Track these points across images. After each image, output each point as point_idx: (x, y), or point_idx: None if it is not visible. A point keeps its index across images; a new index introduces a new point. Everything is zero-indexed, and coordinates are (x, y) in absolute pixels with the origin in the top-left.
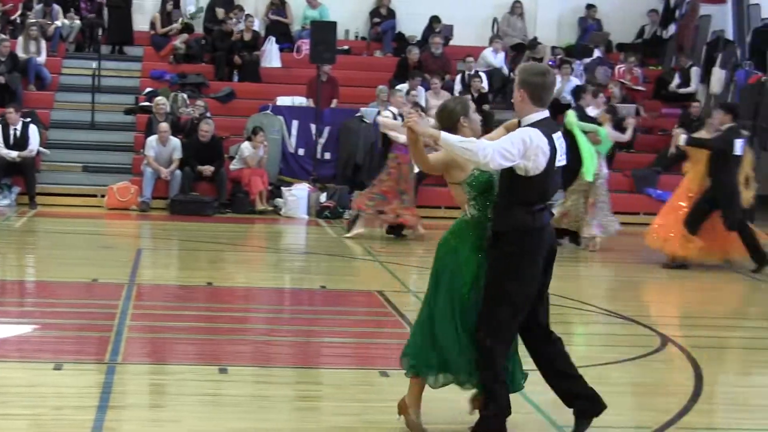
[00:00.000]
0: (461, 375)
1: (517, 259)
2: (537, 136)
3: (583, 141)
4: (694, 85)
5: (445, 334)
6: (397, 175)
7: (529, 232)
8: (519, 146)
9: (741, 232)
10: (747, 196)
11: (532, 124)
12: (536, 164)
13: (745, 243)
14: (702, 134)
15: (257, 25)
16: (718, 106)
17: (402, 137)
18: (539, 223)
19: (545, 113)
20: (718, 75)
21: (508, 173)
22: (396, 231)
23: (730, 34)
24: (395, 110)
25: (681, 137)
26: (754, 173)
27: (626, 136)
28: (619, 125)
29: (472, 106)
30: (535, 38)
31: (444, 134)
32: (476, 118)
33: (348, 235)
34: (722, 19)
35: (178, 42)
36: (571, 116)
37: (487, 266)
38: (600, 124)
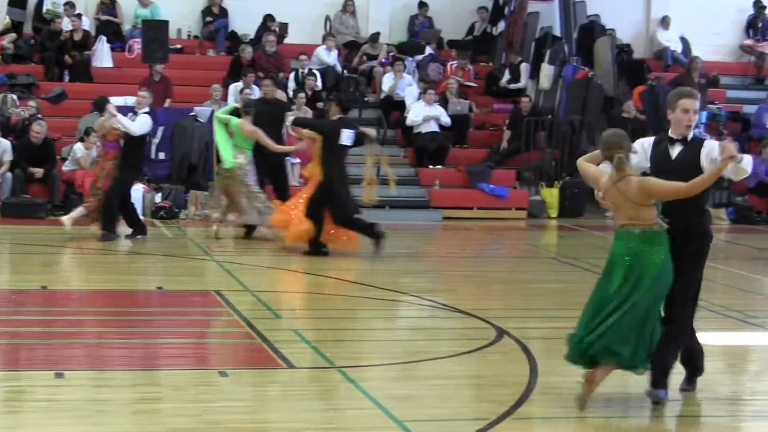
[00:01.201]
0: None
1: (707, 248)
2: None
3: (219, 133)
4: (523, 81)
5: (653, 328)
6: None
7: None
8: None
9: (349, 225)
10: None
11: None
12: None
13: (359, 231)
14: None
15: (87, 24)
16: (332, 101)
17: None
18: None
19: None
20: (546, 71)
21: None
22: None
23: (557, 31)
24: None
25: (289, 118)
26: (389, 168)
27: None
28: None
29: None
30: (378, 33)
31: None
32: None
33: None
34: (550, 16)
35: (6, 42)
36: (222, 112)
37: (686, 263)
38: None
